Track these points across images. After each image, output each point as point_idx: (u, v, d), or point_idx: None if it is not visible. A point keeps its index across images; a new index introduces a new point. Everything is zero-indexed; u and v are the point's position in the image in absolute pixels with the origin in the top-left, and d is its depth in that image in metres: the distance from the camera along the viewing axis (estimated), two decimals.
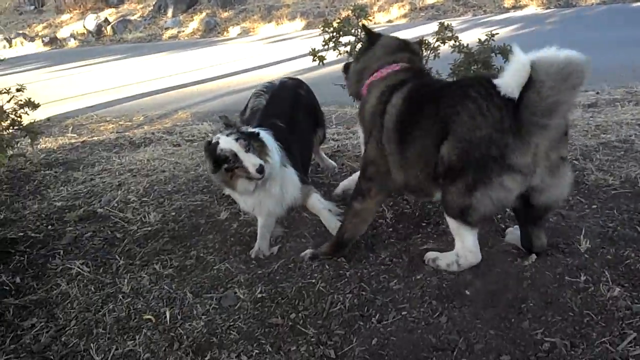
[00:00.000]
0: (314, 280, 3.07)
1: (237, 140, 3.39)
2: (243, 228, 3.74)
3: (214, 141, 3.44)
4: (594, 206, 3.37)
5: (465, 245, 2.88)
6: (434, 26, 4.54)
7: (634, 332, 2.37)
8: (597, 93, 5.98)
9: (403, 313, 2.73)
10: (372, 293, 2.91)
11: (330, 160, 4.61)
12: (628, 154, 4.00)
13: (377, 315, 2.75)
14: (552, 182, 2.61)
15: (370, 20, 4.85)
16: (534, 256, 2.94)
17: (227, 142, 3.39)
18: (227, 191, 3.72)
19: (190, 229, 3.83)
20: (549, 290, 2.70)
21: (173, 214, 4.07)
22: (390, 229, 3.48)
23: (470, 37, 4.43)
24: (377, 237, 3.42)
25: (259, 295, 3.02)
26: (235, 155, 3.37)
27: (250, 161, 3.37)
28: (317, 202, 3.74)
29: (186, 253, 3.56)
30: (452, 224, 2.85)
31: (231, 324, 2.86)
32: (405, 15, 15.09)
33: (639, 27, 9.75)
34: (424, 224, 3.48)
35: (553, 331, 2.45)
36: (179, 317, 2.97)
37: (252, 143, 3.45)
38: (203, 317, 2.94)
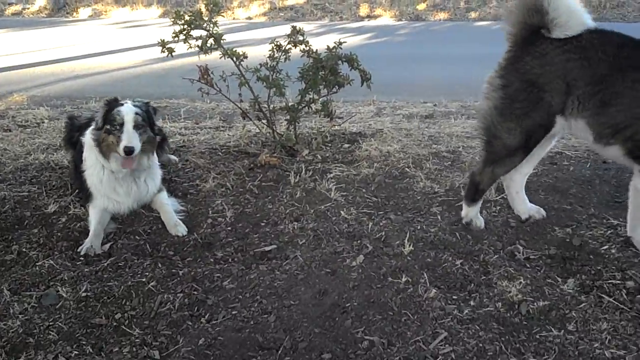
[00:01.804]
0: (144, 279, 2.99)
1: (136, 114, 3.41)
2: (72, 223, 3.53)
3: (121, 101, 3.48)
4: (421, 212, 3.60)
5: None
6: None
7: (445, 332, 2.55)
8: (435, 105, 6.39)
9: (233, 312, 2.73)
10: (204, 292, 2.88)
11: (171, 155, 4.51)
12: (455, 164, 4.32)
13: (207, 315, 2.73)
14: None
15: (224, 17, 4.78)
16: (361, 257, 3.08)
17: (127, 110, 3.42)
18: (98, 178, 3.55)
19: (13, 222, 3.56)
20: (373, 290, 2.84)
21: None
22: (229, 228, 3.47)
23: (326, 42, 4.52)
24: (215, 235, 3.40)
25: (84, 294, 2.87)
26: (122, 124, 3.36)
27: (128, 137, 3.35)
28: (163, 199, 3.67)
29: (7, 247, 3.30)
30: None
31: (50, 323, 2.69)
32: (264, 14, 15.12)
33: (479, 44, 10.53)
34: (262, 224, 3.51)
35: (373, 330, 2.58)
36: None
37: (147, 129, 3.49)
38: (20, 316, 2.74)
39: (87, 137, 3.57)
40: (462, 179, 3.97)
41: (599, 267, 2.97)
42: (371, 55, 8.93)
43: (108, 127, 3.39)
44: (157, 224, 3.52)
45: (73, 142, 3.98)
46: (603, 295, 2.75)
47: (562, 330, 2.54)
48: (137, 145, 3.35)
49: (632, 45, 2.89)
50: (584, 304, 2.71)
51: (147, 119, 3.48)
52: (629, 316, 2.62)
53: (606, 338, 2.49)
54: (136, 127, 3.38)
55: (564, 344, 2.47)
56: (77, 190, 3.82)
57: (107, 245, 3.30)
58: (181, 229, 3.41)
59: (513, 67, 3.00)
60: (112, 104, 3.46)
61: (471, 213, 3.36)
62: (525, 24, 2.95)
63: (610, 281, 2.86)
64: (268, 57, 4.44)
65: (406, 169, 4.20)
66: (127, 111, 3.40)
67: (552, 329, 2.55)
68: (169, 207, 3.58)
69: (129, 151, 3.32)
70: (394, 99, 6.68)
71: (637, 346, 2.43)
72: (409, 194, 3.83)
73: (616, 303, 2.70)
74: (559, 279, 2.89)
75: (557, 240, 3.25)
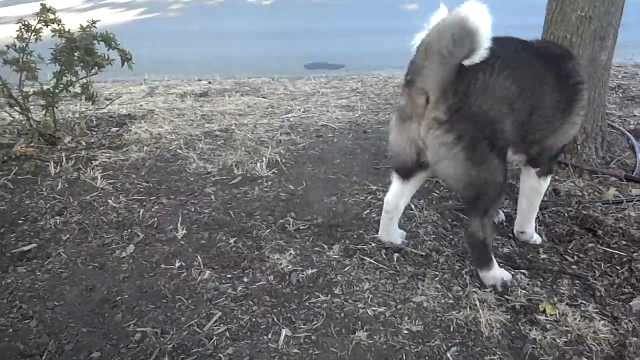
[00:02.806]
0: None
1: None
2: None
3: None
4: (195, 193, 3.56)
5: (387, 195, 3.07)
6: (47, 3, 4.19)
7: (219, 312, 2.56)
8: (209, 82, 6.35)
9: None
10: None
11: None
12: (227, 142, 4.34)
13: None
14: (427, 142, 2.61)
15: None
16: (132, 247, 2.98)
17: None
18: None
19: None
20: (145, 279, 2.75)
21: None
22: None
23: (97, 17, 4.21)
24: None
25: None
26: None
27: None
28: None
29: None
30: None
31: None
32: None
33: (253, 20, 10.67)
34: (20, 222, 3.20)
35: (145, 320, 2.50)
36: None
37: None
38: None
39: None
40: (235, 157, 4.01)
41: (360, 231, 3.20)
42: (144, 32, 8.64)
43: None
44: None
45: None
46: (365, 257, 2.96)
47: (329, 295, 2.69)
48: None
49: (537, 45, 2.86)
50: (348, 267, 2.89)
51: None
52: (388, 274, 2.85)
53: (368, 297, 2.68)
54: None
55: (330, 307, 2.61)
56: None
57: None
58: None
59: (460, 116, 2.52)
60: None
61: (498, 273, 2.82)
62: (454, 57, 2.43)
63: (371, 243, 3.09)
64: (16, 37, 4.03)
65: (178, 150, 4.13)
66: None
67: (320, 295, 2.69)
68: None
69: None
70: (167, 78, 6.51)
71: (395, 301, 2.65)
72: (181, 176, 3.77)
73: (376, 263, 2.92)
74: (326, 246, 3.05)
75: (324, 209, 3.43)
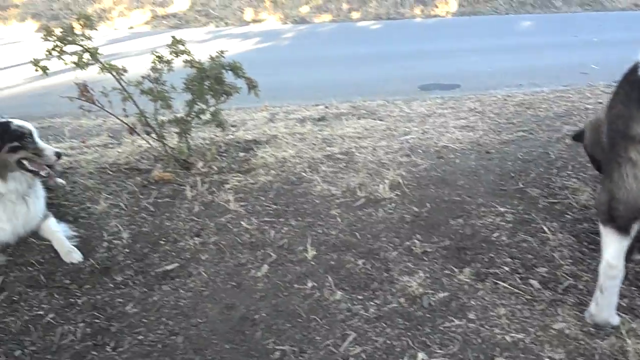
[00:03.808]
0: (42, 312, 2.83)
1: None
2: None
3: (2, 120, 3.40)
4: (321, 215, 3.65)
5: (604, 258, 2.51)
6: (176, 35, 4.49)
7: (353, 332, 2.61)
8: (326, 107, 6.48)
9: (139, 338, 2.65)
10: (106, 320, 2.77)
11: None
12: (349, 165, 4.42)
13: (112, 342, 2.62)
14: None
15: (97, 30, 4.56)
16: (266, 267, 3.09)
17: (23, 122, 3.42)
18: None
19: None
20: (280, 299, 2.86)
21: None
22: (127, 250, 3.35)
23: (214, 49, 4.46)
24: (112, 259, 3.27)
25: None
26: (31, 134, 3.37)
27: (46, 145, 3.44)
28: (52, 226, 3.48)
29: None
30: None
31: None
32: (147, 23, 14.71)
33: (362, 44, 10.85)
34: (162, 242, 3.43)
35: (283, 339, 2.59)
36: None
37: None
38: None
39: None
40: (357, 180, 4.07)
41: (491, 255, 3.14)
42: (260, 60, 8.97)
43: (16, 144, 3.31)
44: (49, 253, 3.34)
45: None
46: (498, 282, 2.91)
47: (464, 319, 2.66)
48: None
49: None
50: (481, 291, 2.85)
51: None
52: (524, 300, 2.77)
53: (505, 323, 2.62)
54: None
55: (466, 332, 2.58)
56: None
57: None
58: (76, 256, 3.26)
59: None
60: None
61: None
62: None
63: (503, 267, 3.03)
64: (150, 69, 4.34)
65: (302, 173, 4.26)
66: (25, 124, 3.42)
67: (454, 319, 2.67)
68: (59, 234, 3.40)
69: (60, 155, 3.51)
70: (286, 104, 6.72)
71: (534, 328, 2.58)
72: (307, 198, 3.88)
73: (511, 288, 2.85)
74: (456, 269, 3.03)
75: (451, 231, 3.40)
